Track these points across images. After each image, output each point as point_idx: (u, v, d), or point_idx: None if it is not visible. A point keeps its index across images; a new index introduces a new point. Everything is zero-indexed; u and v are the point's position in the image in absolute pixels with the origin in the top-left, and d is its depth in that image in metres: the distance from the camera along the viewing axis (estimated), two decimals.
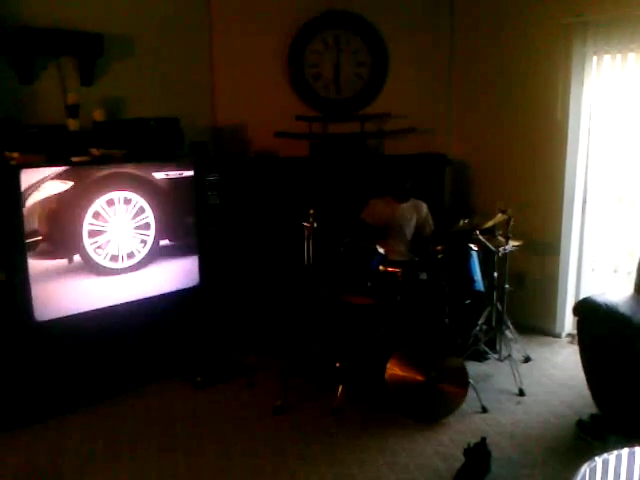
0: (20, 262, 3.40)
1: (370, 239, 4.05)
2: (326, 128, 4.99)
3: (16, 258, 3.40)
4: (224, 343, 4.35)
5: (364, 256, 3.67)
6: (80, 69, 4.09)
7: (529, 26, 4.53)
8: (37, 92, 3.93)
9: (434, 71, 5.04)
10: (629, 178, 4.40)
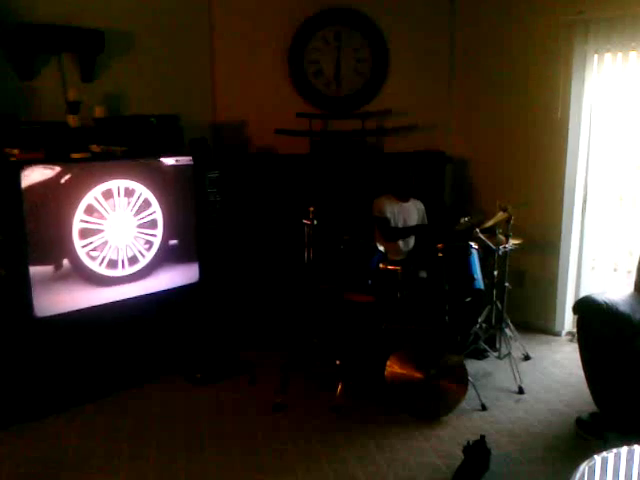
0: (21, 258, 3.37)
1: (402, 235, 4.15)
2: (326, 125, 4.99)
3: (17, 254, 3.38)
4: (224, 340, 4.35)
5: (364, 254, 3.68)
6: (81, 65, 4.09)
7: (530, 23, 4.52)
8: (37, 88, 3.93)
9: (435, 68, 5.03)
10: (630, 177, 4.40)
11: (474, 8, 4.87)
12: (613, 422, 3.20)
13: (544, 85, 4.49)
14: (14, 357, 3.42)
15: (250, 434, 3.31)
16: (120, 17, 4.23)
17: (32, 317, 3.43)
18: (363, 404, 3.62)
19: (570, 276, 4.66)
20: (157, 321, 3.98)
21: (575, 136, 4.45)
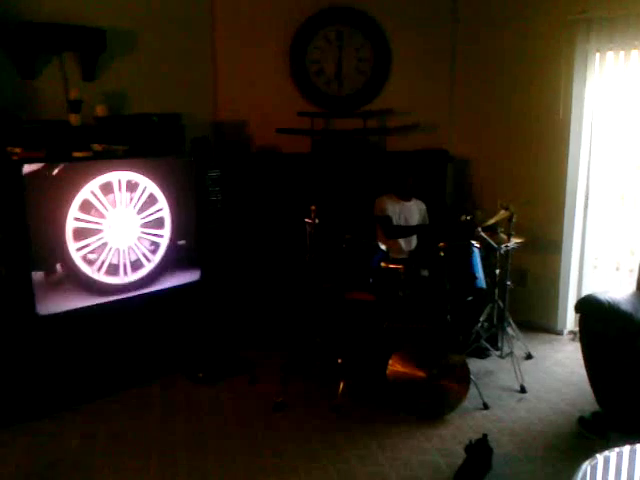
0: (22, 257, 3.34)
1: (404, 233, 4.15)
2: (328, 124, 4.99)
3: (18, 253, 3.36)
4: (226, 339, 4.35)
5: (366, 253, 3.67)
6: (82, 64, 4.09)
7: (532, 22, 4.51)
8: (39, 87, 3.93)
9: (436, 67, 5.02)
10: (631, 176, 4.39)
11: (476, 7, 4.86)
12: (615, 421, 3.20)
13: (546, 84, 4.48)
14: (16, 356, 3.42)
15: (251, 434, 3.31)
16: (122, 16, 4.22)
17: (34, 315, 3.39)
18: (365, 403, 3.62)
19: (572, 275, 4.65)
20: (158, 320, 3.97)
21: (577, 135, 4.44)
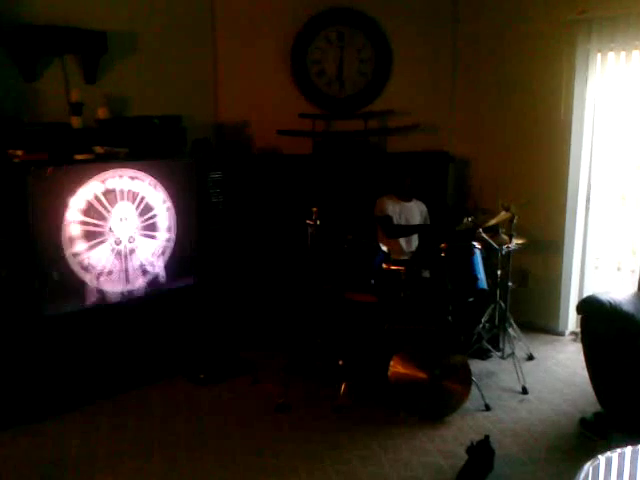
0: (26, 259, 3.32)
1: (405, 232, 4.15)
2: (329, 126, 4.99)
3: (23, 254, 3.34)
4: (227, 340, 4.35)
5: (367, 254, 3.67)
6: (84, 67, 4.09)
7: (533, 23, 4.51)
8: (41, 90, 3.93)
9: (437, 68, 5.02)
10: (632, 176, 4.39)
11: (476, 7, 4.86)
12: (617, 422, 3.19)
13: (547, 84, 4.48)
14: (17, 357, 3.42)
15: (253, 434, 3.31)
16: (123, 18, 4.23)
17: (39, 316, 3.35)
18: (366, 404, 3.62)
19: (574, 276, 4.65)
20: (160, 321, 3.97)
21: (578, 135, 4.44)
